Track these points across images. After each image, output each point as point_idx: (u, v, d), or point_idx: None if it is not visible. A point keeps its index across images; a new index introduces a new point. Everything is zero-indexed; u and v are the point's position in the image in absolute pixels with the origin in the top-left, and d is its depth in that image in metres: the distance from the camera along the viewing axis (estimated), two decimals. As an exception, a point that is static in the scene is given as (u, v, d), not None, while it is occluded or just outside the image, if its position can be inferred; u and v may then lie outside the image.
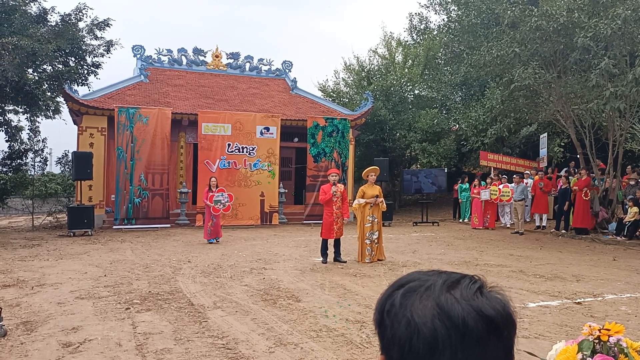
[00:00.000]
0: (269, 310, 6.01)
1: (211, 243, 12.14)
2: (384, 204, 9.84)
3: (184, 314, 5.82)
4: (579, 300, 6.58)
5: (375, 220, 9.61)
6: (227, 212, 12.93)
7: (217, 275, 8.15)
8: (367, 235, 9.56)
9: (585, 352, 1.43)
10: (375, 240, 9.61)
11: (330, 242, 9.65)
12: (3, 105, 16.81)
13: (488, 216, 16.87)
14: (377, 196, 9.56)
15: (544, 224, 15.89)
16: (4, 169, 18.61)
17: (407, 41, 27.69)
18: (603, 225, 14.09)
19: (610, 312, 6.03)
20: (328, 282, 7.70)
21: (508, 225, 16.93)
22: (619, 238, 12.92)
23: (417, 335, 0.73)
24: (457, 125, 22.05)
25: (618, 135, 13.58)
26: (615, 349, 1.42)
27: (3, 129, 17.67)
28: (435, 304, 0.74)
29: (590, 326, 1.48)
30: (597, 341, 1.44)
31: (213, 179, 12.84)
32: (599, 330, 1.45)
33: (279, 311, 5.95)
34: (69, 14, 15.42)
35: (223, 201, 12.46)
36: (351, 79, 27.71)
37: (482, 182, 17.41)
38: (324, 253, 9.53)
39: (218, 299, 6.56)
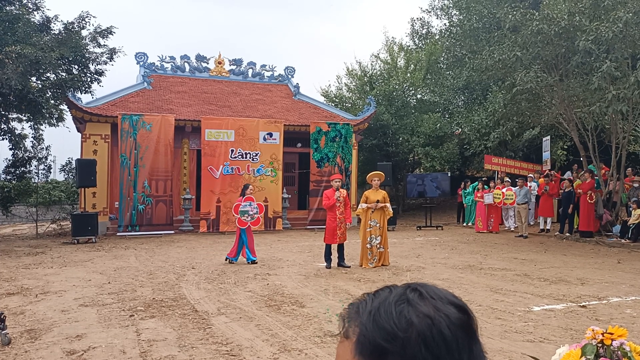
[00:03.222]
0: (273, 316, 6.00)
1: (232, 262, 9.97)
2: (390, 209, 9.78)
3: (188, 320, 5.82)
4: (583, 303, 6.56)
5: (377, 225, 9.60)
6: (255, 225, 10.17)
7: (221, 282, 8.15)
8: (369, 239, 9.55)
9: (588, 357, 1.42)
10: (377, 245, 9.59)
11: (334, 247, 9.66)
12: (7, 113, 16.91)
13: (492, 220, 16.83)
14: (378, 201, 9.56)
15: (548, 227, 15.84)
16: (8, 177, 18.70)
17: (409, 46, 27.77)
18: (607, 228, 14.04)
19: (615, 315, 6.00)
20: (332, 288, 7.69)
21: (512, 229, 16.88)
22: (623, 241, 12.86)
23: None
24: (460, 129, 22.04)
25: (621, 137, 13.56)
26: (619, 352, 1.41)
27: (7, 137, 17.77)
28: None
29: (593, 330, 1.48)
30: (600, 345, 1.44)
31: (250, 187, 10.39)
32: (602, 334, 1.45)
33: (283, 317, 5.94)
34: (72, 22, 15.51)
35: (251, 212, 10.00)
36: (354, 84, 27.72)
37: (486, 186, 17.40)
38: (328, 258, 9.53)
39: (222, 305, 6.56)
